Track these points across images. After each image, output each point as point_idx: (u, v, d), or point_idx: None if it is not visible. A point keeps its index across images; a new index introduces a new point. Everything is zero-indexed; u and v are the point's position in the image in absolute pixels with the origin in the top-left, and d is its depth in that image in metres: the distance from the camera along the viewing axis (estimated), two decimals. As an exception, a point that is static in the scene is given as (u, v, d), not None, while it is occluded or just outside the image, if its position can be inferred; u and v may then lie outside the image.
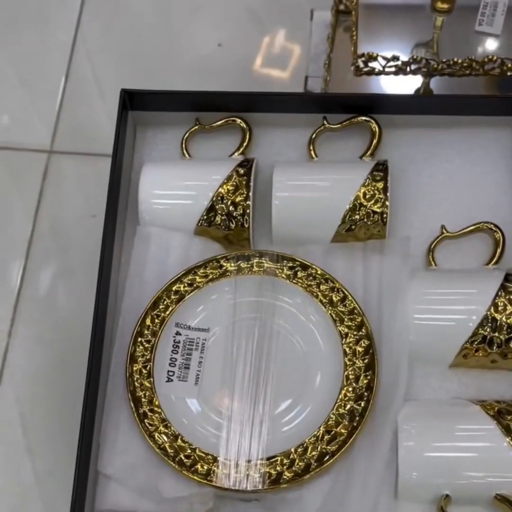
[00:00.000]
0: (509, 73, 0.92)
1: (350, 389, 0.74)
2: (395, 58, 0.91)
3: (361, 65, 0.93)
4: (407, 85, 0.98)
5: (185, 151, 0.86)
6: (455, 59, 0.91)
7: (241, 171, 0.81)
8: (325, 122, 0.85)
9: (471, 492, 0.71)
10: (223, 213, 0.80)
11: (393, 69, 0.92)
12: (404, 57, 0.91)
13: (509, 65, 0.91)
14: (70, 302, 0.91)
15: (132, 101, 0.85)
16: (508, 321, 0.74)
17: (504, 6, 0.93)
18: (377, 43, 0.95)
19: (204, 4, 1.09)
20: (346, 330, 0.76)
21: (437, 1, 0.91)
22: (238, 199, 0.80)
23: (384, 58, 0.92)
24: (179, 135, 0.86)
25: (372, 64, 0.92)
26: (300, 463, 0.72)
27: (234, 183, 0.80)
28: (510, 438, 0.70)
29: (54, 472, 0.83)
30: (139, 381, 0.75)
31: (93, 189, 0.96)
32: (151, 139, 0.88)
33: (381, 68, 0.93)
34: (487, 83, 1.01)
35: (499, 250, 0.79)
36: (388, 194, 0.79)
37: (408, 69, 0.92)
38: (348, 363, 0.75)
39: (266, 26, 1.08)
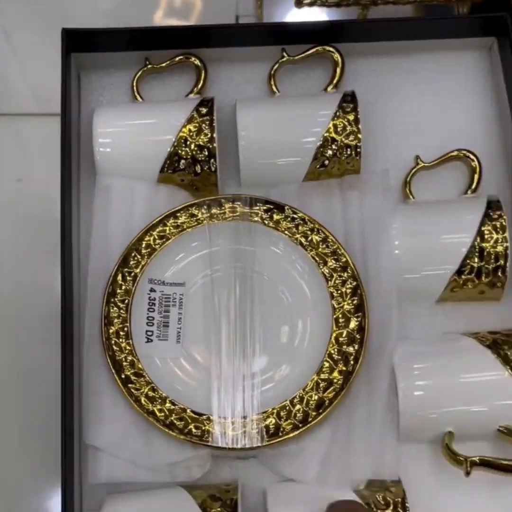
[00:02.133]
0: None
1: (342, 332, 0.71)
2: (338, -13, 0.88)
3: (303, -4, 0.89)
4: (344, 17, 0.95)
5: (137, 95, 0.79)
6: None
7: (203, 110, 0.76)
8: (284, 54, 0.80)
9: (474, 426, 0.69)
10: (188, 157, 0.75)
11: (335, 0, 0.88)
12: None
13: (452, -10, 0.88)
14: (22, 272, 0.83)
15: (73, 43, 0.78)
16: (495, 249, 0.72)
17: None
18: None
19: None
20: (330, 272, 0.73)
21: None
22: (202, 141, 0.75)
23: None
24: (128, 77, 0.80)
25: (314, -5, 0.88)
26: (297, 414, 0.69)
27: (196, 125, 0.75)
28: (509, 367, 0.69)
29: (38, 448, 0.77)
30: (117, 344, 0.70)
31: (13, 152, 0.87)
32: (97, 83, 0.81)
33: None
34: (418, 12, 0.98)
35: (476, 177, 0.77)
36: (359, 126, 0.75)
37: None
38: (336, 306, 0.72)
39: None
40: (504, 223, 0.72)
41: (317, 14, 0.91)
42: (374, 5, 0.89)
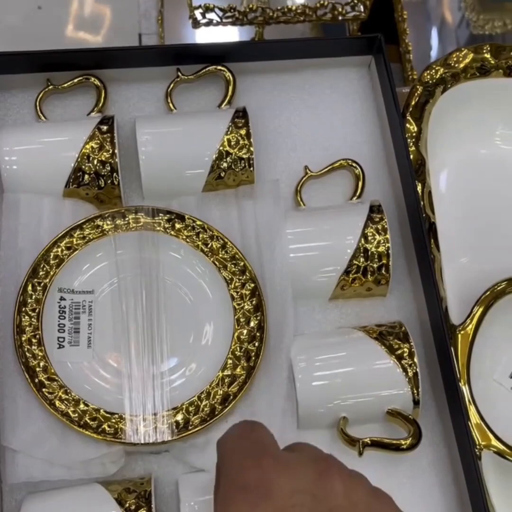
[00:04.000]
0: (340, 18, 0.96)
1: (243, 331, 0.76)
2: (232, 8, 0.93)
3: (199, 17, 0.94)
4: (240, 33, 1.01)
5: (40, 114, 0.83)
6: (290, 6, 0.94)
7: (104, 128, 0.80)
8: (179, 73, 0.85)
9: (365, 411, 0.75)
10: (91, 172, 0.79)
11: (230, 20, 0.94)
12: (239, 7, 0.93)
13: (340, 10, 0.95)
14: None
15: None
16: (378, 249, 0.79)
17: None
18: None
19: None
20: (230, 276, 0.78)
21: None
22: (104, 157, 0.79)
23: (221, 9, 0.93)
24: (31, 98, 0.84)
25: (210, 16, 0.93)
26: (205, 409, 0.74)
27: (98, 141, 0.79)
28: (394, 356, 0.75)
29: None
30: (30, 351, 0.74)
31: None
32: (1, 104, 0.85)
33: (218, 19, 0.94)
34: (312, 30, 1.06)
35: (360, 184, 0.84)
36: (251, 139, 0.81)
37: (245, 19, 0.94)
38: (237, 307, 0.77)
39: None
40: (385, 225, 0.79)
41: (216, 31, 0.96)
42: (267, 25, 0.95)
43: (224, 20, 0.94)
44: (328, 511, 0.48)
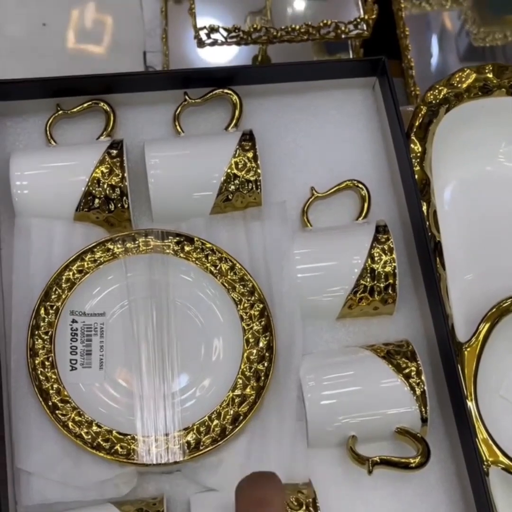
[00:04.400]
0: (343, 36, 0.97)
1: (253, 351, 0.77)
2: (237, 29, 0.94)
3: (204, 37, 0.95)
4: (244, 51, 1.02)
5: (50, 139, 0.85)
6: (293, 26, 0.95)
7: (113, 152, 0.82)
8: (186, 97, 0.87)
9: (374, 429, 0.77)
10: (101, 196, 0.81)
11: (235, 39, 0.95)
12: (243, 27, 0.94)
13: (343, 28, 0.96)
14: None
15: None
16: (384, 269, 0.80)
17: (329, -28, 0.98)
18: (212, 14, 0.98)
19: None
20: (239, 297, 0.79)
21: (265, -30, 0.96)
22: (114, 181, 0.81)
23: (225, 29, 0.94)
24: (42, 122, 0.85)
25: (215, 36, 0.95)
26: (216, 429, 0.75)
27: (108, 166, 0.81)
28: (401, 375, 0.76)
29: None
30: (43, 373, 0.75)
31: None
32: (12, 129, 0.86)
33: (223, 39, 0.95)
34: (315, 47, 1.07)
35: (366, 205, 0.85)
36: (258, 162, 0.83)
37: (249, 38, 0.96)
38: (246, 327, 0.78)
39: (95, 1, 1.07)
40: (391, 245, 0.80)
41: (220, 48, 0.97)
42: (271, 43, 0.96)
43: (228, 40, 0.95)
44: None
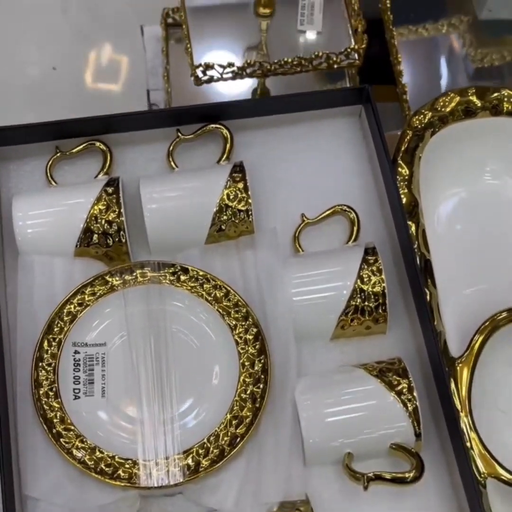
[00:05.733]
0: (335, 66, 0.99)
1: (248, 374, 0.80)
2: (231, 64, 0.97)
3: (200, 75, 0.98)
4: (244, 84, 1.06)
5: (51, 179, 0.89)
6: (286, 59, 0.97)
7: (109, 190, 0.85)
8: (179, 134, 0.91)
9: (369, 446, 0.78)
10: (99, 232, 0.84)
11: (230, 75, 0.98)
12: (238, 63, 0.97)
13: (335, 59, 0.98)
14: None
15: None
16: (374, 290, 0.83)
17: (320, 5, 1.01)
18: (210, 51, 1.00)
19: (29, 28, 1.12)
20: (234, 322, 0.82)
21: (259, 6, 0.99)
22: (111, 217, 0.84)
23: (220, 66, 0.97)
24: (42, 164, 0.89)
25: (210, 73, 0.98)
26: (214, 450, 0.77)
27: (105, 203, 0.85)
28: (394, 392, 0.78)
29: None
30: (47, 403, 0.78)
31: None
32: (15, 172, 0.90)
33: (219, 75, 0.98)
34: (316, 76, 1.10)
35: (355, 229, 0.88)
36: (249, 192, 0.86)
37: (244, 73, 0.99)
38: (241, 351, 0.81)
39: (99, 43, 1.13)
40: (380, 266, 0.83)
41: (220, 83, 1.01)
42: (266, 77, 1.00)
43: (224, 76, 0.98)
44: None
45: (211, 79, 0.98)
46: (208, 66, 0.97)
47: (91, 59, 1.13)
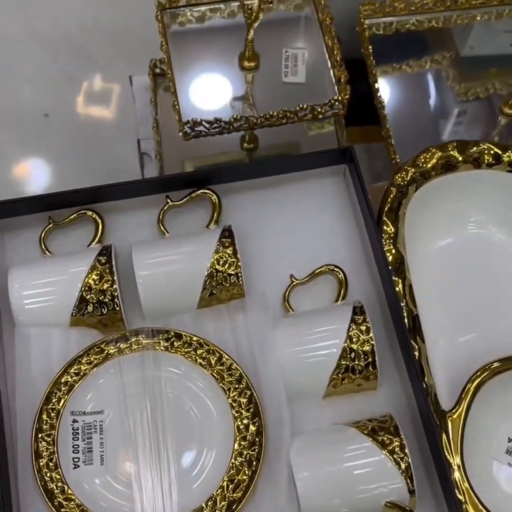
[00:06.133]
0: (320, 116, 1.01)
1: (244, 437, 0.82)
2: (218, 120, 0.99)
3: (188, 131, 1.00)
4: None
5: (45, 249, 0.91)
6: (271, 112, 0.98)
7: (102, 260, 0.88)
8: (168, 200, 0.93)
9: (364, 505, 0.80)
10: (94, 301, 0.86)
11: (217, 130, 1.00)
12: (225, 114, 0.97)
13: (319, 109, 1.00)
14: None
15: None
16: (363, 349, 0.85)
17: (304, 57, 1.04)
18: (198, 104, 1.02)
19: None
20: (228, 385, 0.84)
21: (244, 60, 1.02)
22: (105, 286, 0.87)
23: (208, 122, 0.99)
24: (36, 235, 0.92)
25: (198, 128, 1.00)
26: (212, 515, 0.79)
27: (99, 272, 0.87)
28: (385, 451, 0.80)
29: None
30: (48, 474, 0.80)
31: None
32: (10, 244, 0.93)
33: (207, 130, 1.00)
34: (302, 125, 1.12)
35: (343, 288, 0.90)
36: (238, 256, 0.88)
37: (231, 127, 1.00)
38: (236, 415, 0.83)
39: (88, 91, 1.16)
40: (368, 325, 0.85)
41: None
42: (252, 130, 1.02)
43: (212, 131, 1.00)
44: None
45: (199, 134, 1.00)
46: (196, 123, 0.98)
47: (83, 107, 1.17)
